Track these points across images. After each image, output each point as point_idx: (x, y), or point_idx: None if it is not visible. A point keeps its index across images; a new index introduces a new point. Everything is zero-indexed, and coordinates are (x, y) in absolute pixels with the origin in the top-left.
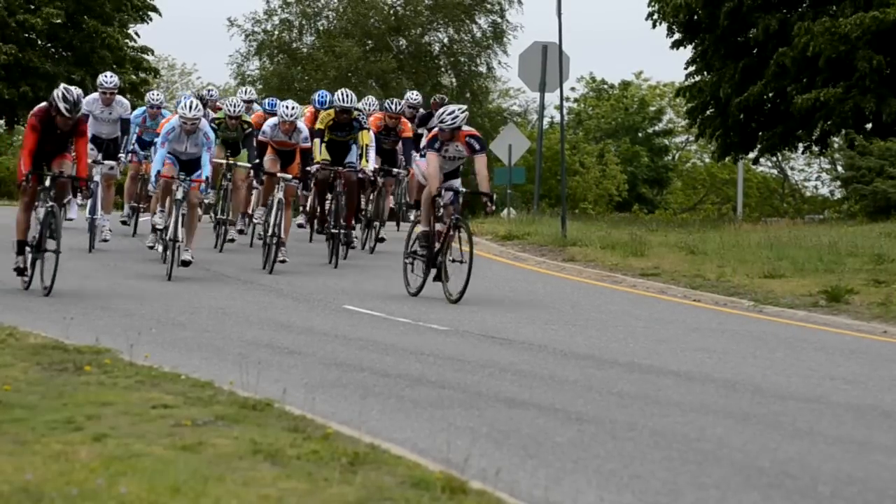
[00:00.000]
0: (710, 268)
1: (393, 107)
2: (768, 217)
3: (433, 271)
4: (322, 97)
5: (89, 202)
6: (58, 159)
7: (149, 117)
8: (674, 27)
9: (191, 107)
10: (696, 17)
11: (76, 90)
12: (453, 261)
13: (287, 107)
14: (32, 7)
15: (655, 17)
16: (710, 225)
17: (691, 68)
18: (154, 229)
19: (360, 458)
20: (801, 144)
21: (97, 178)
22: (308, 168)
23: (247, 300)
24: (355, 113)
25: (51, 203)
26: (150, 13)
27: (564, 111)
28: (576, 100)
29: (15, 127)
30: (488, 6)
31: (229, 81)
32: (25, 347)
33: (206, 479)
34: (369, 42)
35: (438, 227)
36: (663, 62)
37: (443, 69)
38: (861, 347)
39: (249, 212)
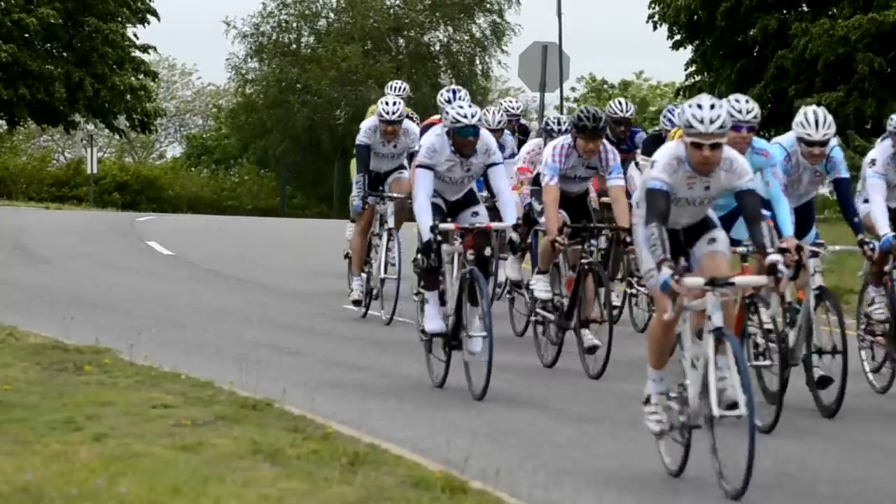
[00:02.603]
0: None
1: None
2: None
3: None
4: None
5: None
6: None
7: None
8: (674, 28)
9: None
10: (696, 18)
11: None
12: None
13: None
14: (31, 8)
15: (656, 18)
16: None
17: (691, 69)
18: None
19: (360, 458)
20: None
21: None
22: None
23: (247, 300)
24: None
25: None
26: (148, 16)
27: (564, 111)
28: (576, 100)
29: (15, 128)
30: (487, 6)
31: (228, 83)
32: (25, 347)
33: (206, 479)
34: (369, 43)
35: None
36: (664, 62)
37: (442, 69)
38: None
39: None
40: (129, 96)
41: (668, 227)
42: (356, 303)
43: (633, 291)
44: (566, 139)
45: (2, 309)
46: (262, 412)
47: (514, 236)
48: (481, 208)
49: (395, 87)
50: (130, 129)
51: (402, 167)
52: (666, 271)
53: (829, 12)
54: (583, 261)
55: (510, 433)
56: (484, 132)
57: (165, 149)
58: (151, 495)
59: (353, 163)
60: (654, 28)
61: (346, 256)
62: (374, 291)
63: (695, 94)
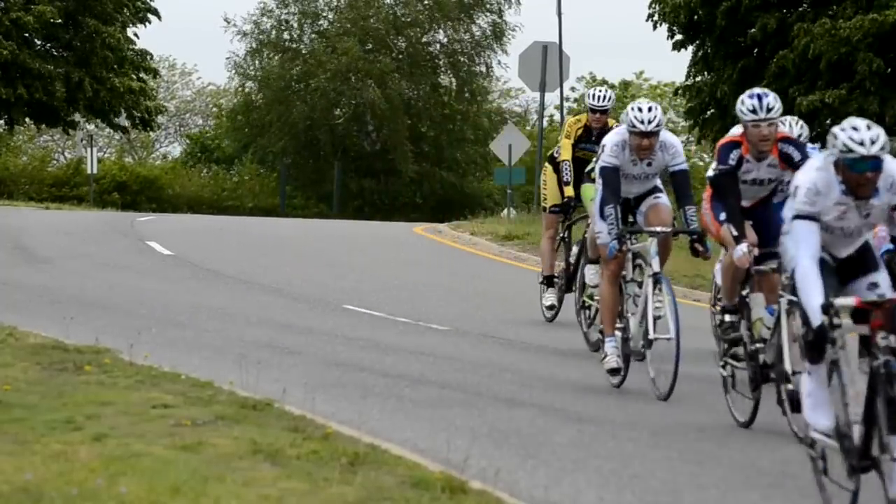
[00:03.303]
0: (711, 267)
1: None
2: None
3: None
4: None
5: None
6: None
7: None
8: (674, 28)
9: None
10: (696, 18)
11: None
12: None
13: None
14: (30, 7)
15: (656, 18)
16: None
17: (693, 69)
18: None
19: (360, 458)
20: None
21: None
22: None
23: (247, 300)
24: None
25: None
26: (149, 15)
27: (564, 111)
28: (576, 100)
29: (14, 127)
30: (487, 6)
31: (228, 81)
32: (25, 347)
33: (206, 479)
34: (369, 43)
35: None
36: (664, 62)
37: (442, 69)
38: None
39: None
40: (128, 96)
41: None
42: (613, 372)
43: None
44: None
45: (2, 309)
46: (262, 412)
47: None
48: (883, 274)
49: (600, 97)
50: (132, 126)
51: (656, 189)
52: None
53: (830, 12)
54: None
55: (510, 433)
56: (889, 163)
57: (168, 149)
58: (151, 495)
59: (577, 185)
60: (654, 28)
61: (584, 306)
62: (635, 355)
63: (695, 95)
